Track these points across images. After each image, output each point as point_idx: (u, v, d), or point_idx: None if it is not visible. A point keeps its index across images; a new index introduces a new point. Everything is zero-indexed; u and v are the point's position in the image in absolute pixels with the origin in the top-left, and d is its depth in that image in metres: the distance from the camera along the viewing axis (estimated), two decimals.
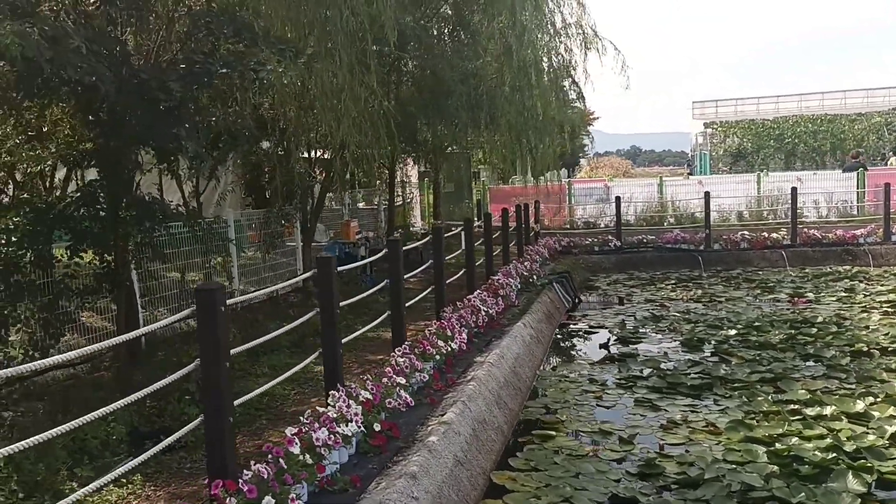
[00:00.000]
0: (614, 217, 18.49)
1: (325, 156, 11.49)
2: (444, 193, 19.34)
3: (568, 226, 19.55)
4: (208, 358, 3.90)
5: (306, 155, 11.31)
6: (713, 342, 9.28)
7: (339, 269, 5.90)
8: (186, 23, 5.48)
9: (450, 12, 11.21)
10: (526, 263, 12.89)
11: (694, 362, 8.38)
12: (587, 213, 19.73)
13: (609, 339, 9.82)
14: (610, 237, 16.93)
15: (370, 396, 5.42)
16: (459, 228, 10.43)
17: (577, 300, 12.79)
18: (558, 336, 10.37)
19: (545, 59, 14.27)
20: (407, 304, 7.61)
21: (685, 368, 8.13)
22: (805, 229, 16.47)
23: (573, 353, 9.18)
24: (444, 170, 18.61)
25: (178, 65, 5.42)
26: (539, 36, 13.23)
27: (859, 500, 4.68)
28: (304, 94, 5.78)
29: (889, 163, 29.22)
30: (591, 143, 29.28)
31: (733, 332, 9.67)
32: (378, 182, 17.02)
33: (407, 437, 5.41)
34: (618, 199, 17.26)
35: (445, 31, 11.45)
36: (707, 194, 16.61)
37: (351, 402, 5.21)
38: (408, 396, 5.79)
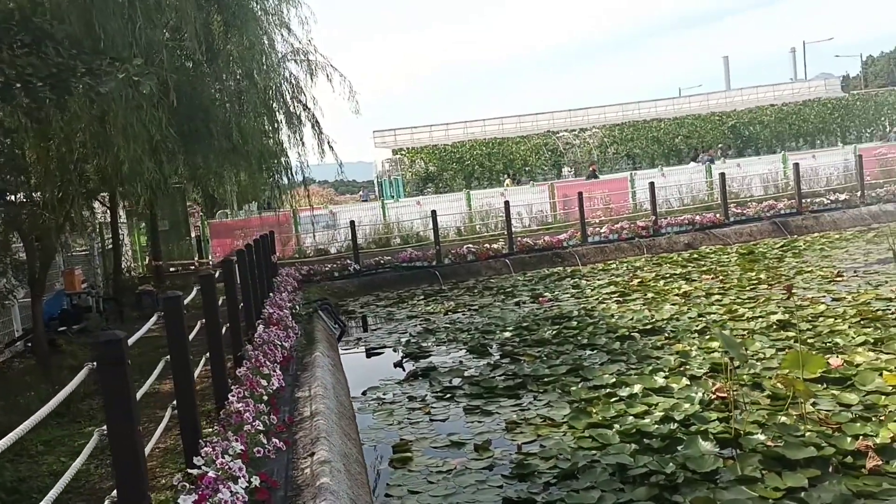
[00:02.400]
0: (344, 242, 18.69)
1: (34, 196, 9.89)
2: (160, 232, 17.80)
3: (297, 255, 19.19)
4: (119, 427, 3.14)
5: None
6: (495, 346, 9.81)
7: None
8: None
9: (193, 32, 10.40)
10: (283, 294, 12.41)
11: (492, 366, 8.76)
12: (317, 241, 19.57)
13: (401, 358, 9.84)
14: (348, 261, 16.99)
15: (242, 448, 4.80)
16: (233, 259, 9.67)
17: (343, 325, 12.62)
18: (347, 361, 10.13)
19: (272, 84, 13.95)
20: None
21: (489, 373, 8.46)
22: (519, 238, 18.17)
23: (373, 375, 9.02)
24: (159, 206, 17.14)
25: None
26: (274, 61, 12.93)
27: (721, 459, 5.28)
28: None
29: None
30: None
31: (508, 333, 10.31)
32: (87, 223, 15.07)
33: (287, 485, 4.89)
34: (352, 223, 17.41)
35: (188, 52, 10.61)
36: (434, 213, 17.51)
37: (226, 457, 4.56)
38: (277, 441, 5.23)
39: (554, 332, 10.10)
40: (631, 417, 6.35)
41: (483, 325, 11.15)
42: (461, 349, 9.89)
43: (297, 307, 12.09)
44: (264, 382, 6.63)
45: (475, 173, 41.03)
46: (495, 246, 17.78)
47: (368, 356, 10.48)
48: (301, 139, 14.02)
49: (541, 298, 12.98)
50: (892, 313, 9.01)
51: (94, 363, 3.14)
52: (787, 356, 6.48)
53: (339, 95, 14.76)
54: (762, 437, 5.53)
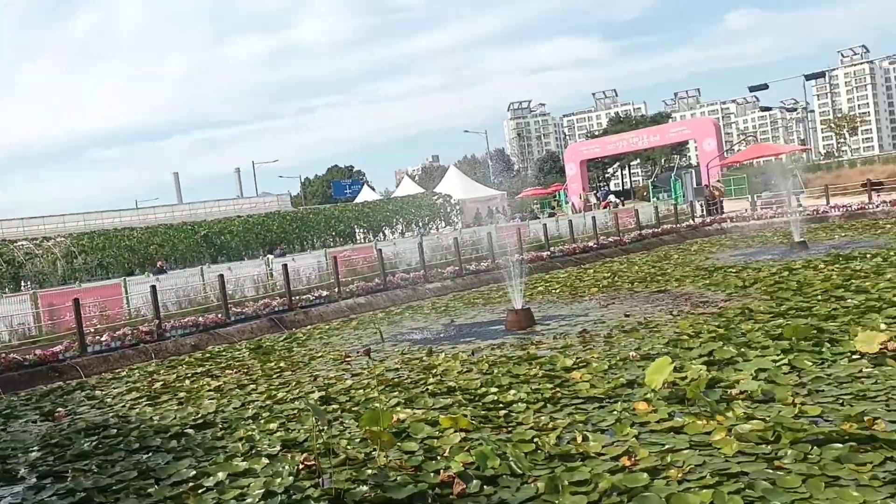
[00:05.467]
0: None
1: None
2: None
3: None
4: None
5: None
6: (25, 469, 8.40)
7: None
8: None
9: None
10: None
11: (35, 488, 7.48)
12: None
13: None
14: None
15: None
16: None
17: None
18: None
19: None
20: None
21: (35, 496, 7.23)
22: (2, 355, 15.73)
23: None
24: None
25: None
26: None
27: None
28: None
29: None
30: None
31: (35, 454, 8.91)
32: None
33: None
34: None
35: None
36: None
37: None
38: None
39: (93, 443, 9.14)
40: (232, 501, 6.29)
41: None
42: None
43: None
44: None
45: None
46: None
47: None
48: None
49: (57, 413, 11.52)
50: (407, 379, 10.67)
51: None
52: (364, 415, 7.25)
53: None
54: (364, 489, 6.10)
